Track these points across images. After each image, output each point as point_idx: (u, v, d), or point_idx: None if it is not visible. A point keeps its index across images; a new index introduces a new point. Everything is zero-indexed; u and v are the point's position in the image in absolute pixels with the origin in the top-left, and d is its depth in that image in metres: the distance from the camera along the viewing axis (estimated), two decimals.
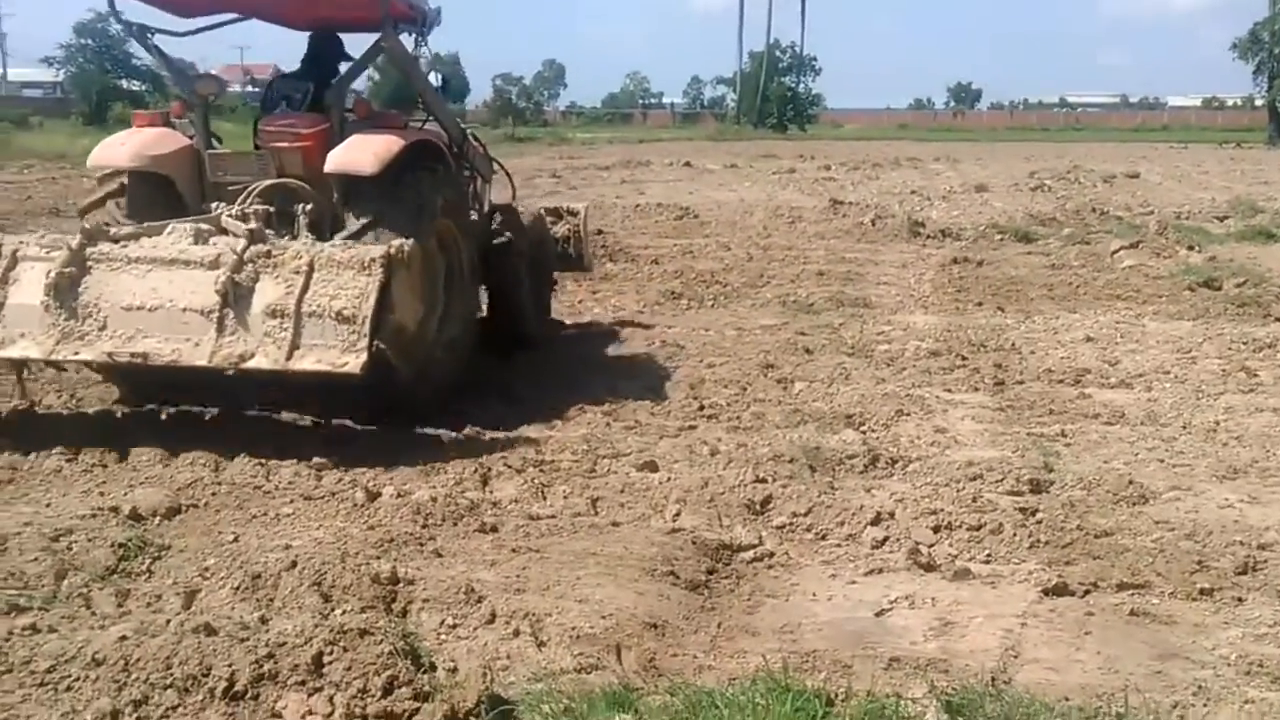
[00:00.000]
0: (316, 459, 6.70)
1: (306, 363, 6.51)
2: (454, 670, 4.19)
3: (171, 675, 3.88)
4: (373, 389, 6.95)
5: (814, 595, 5.25)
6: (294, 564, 4.89)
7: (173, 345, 6.67)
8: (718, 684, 4.15)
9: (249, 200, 7.62)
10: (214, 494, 6.23)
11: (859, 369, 9.47)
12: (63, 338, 6.75)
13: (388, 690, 3.79)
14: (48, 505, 6.02)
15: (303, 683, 3.87)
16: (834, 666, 4.49)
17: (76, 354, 6.78)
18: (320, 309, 6.55)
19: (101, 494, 6.21)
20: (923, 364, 9.67)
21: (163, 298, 6.74)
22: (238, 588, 4.82)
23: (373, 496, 6.16)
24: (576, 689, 3.98)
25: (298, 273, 6.66)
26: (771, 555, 5.65)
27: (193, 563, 5.21)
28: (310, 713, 3.74)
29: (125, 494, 6.17)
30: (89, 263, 6.88)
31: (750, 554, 5.65)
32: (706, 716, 3.57)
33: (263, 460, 6.66)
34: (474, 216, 9.24)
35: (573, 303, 12.68)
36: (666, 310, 12.55)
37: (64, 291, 6.79)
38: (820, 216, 20.87)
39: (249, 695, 3.84)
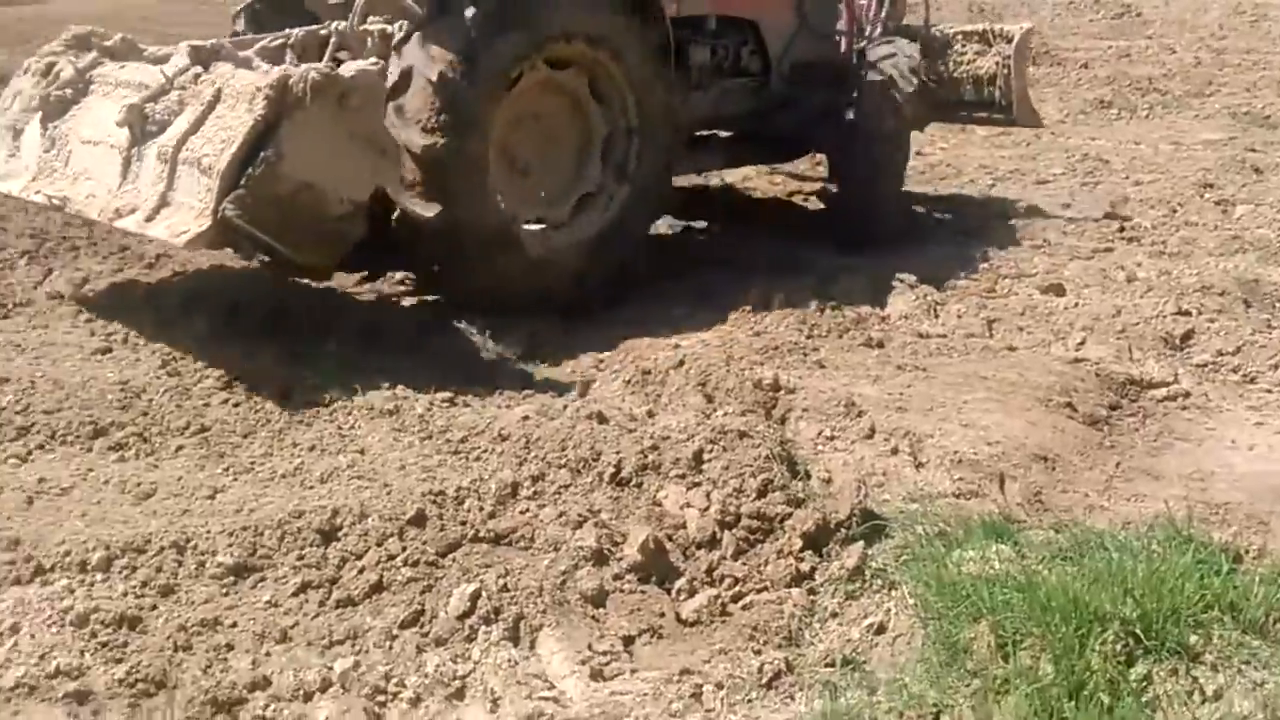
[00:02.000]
0: (712, 269, 6.93)
1: (158, 228, 5.14)
2: (828, 481, 4.33)
3: (566, 456, 4.27)
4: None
5: (1233, 442, 4.94)
6: (681, 363, 5.16)
7: (86, 189, 5.55)
8: (1109, 525, 4.04)
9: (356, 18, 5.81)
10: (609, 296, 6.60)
11: None
12: (38, 172, 5.79)
13: (762, 492, 3.99)
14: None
15: (683, 476, 4.14)
16: (1248, 521, 4.24)
17: (30, 192, 5.77)
18: (193, 155, 5.10)
19: None
20: None
21: (104, 132, 5.58)
22: (628, 381, 5.17)
23: (762, 304, 6.32)
24: (953, 514, 4.00)
25: (201, 105, 5.23)
26: (1187, 395, 5.35)
27: (591, 355, 5.62)
28: (688, 505, 4.01)
29: None
30: (89, 85, 5.87)
31: (1162, 392, 5.37)
32: (1093, 558, 3.50)
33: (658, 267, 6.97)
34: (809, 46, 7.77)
35: None
36: (1093, 120, 11.75)
37: (51, 118, 5.82)
38: None
39: (633, 482, 4.16)
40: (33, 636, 3.34)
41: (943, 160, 9.38)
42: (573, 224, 6.45)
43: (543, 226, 6.32)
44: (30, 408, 4.74)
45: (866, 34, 7.93)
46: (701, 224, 8.16)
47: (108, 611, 3.43)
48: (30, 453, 4.48)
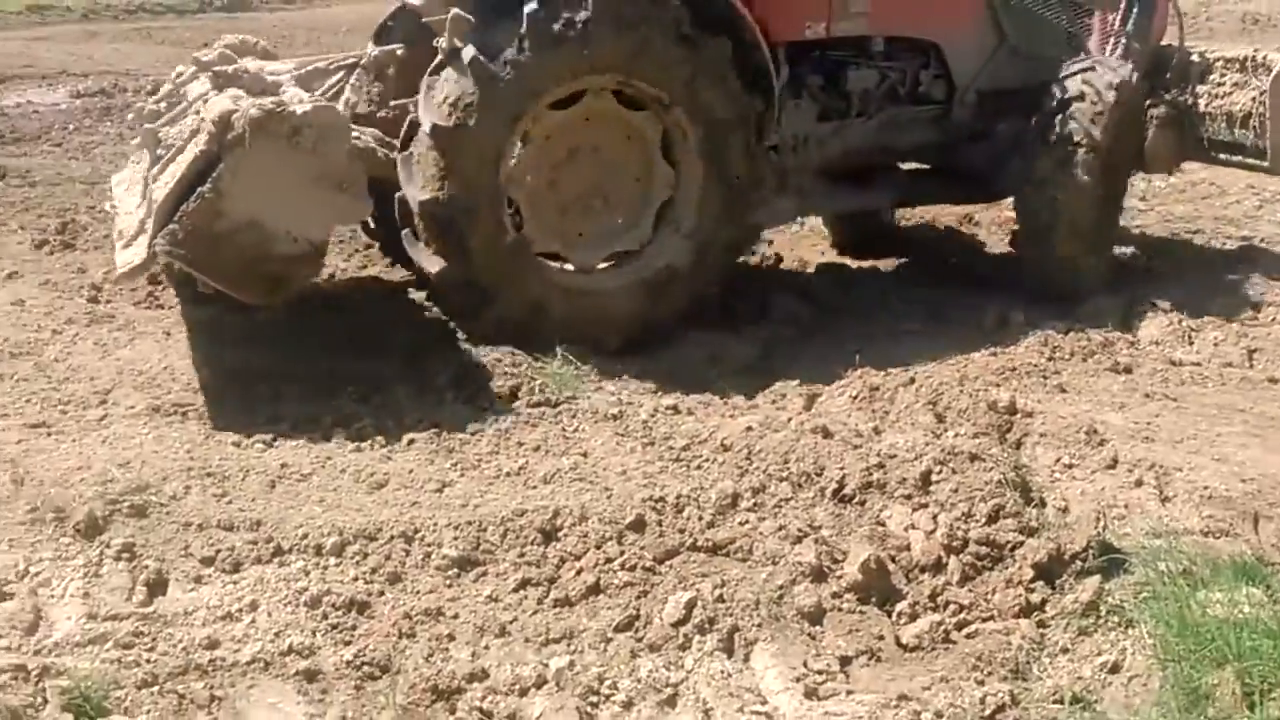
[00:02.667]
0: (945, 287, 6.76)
1: (121, 255, 5.19)
2: (1064, 510, 4.14)
3: (788, 469, 4.24)
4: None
5: None
6: (911, 381, 5.04)
7: (124, 209, 5.75)
8: None
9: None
10: (839, 306, 6.52)
11: None
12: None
13: (992, 518, 3.85)
14: None
15: (909, 496, 4.05)
16: None
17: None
18: (157, 185, 5.11)
19: None
20: None
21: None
22: (855, 397, 5.08)
23: (1001, 323, 6.11)
24: (1200, 552, 3.77)
25: (189, 133, 5.23)
26: None
27: (818, 369, 5.56)
28: (913, 526, 3.91)
29: None
30: (181, 101, 5.98)
31: None
32: None
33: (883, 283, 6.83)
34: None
35: None
36: None
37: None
38: None
39: (856, 500, 4.09)
40: (269, 614, 3.55)
41: (1206, 179, 8.86)
42: (607, 272, 5.82)
43: (570, 270, 5.76)
44: (281, 395, 5.06)
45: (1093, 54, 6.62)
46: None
47: (339, 595, 3.61)
48: (275, 439, 4.75)
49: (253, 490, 4.30)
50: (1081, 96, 6.22)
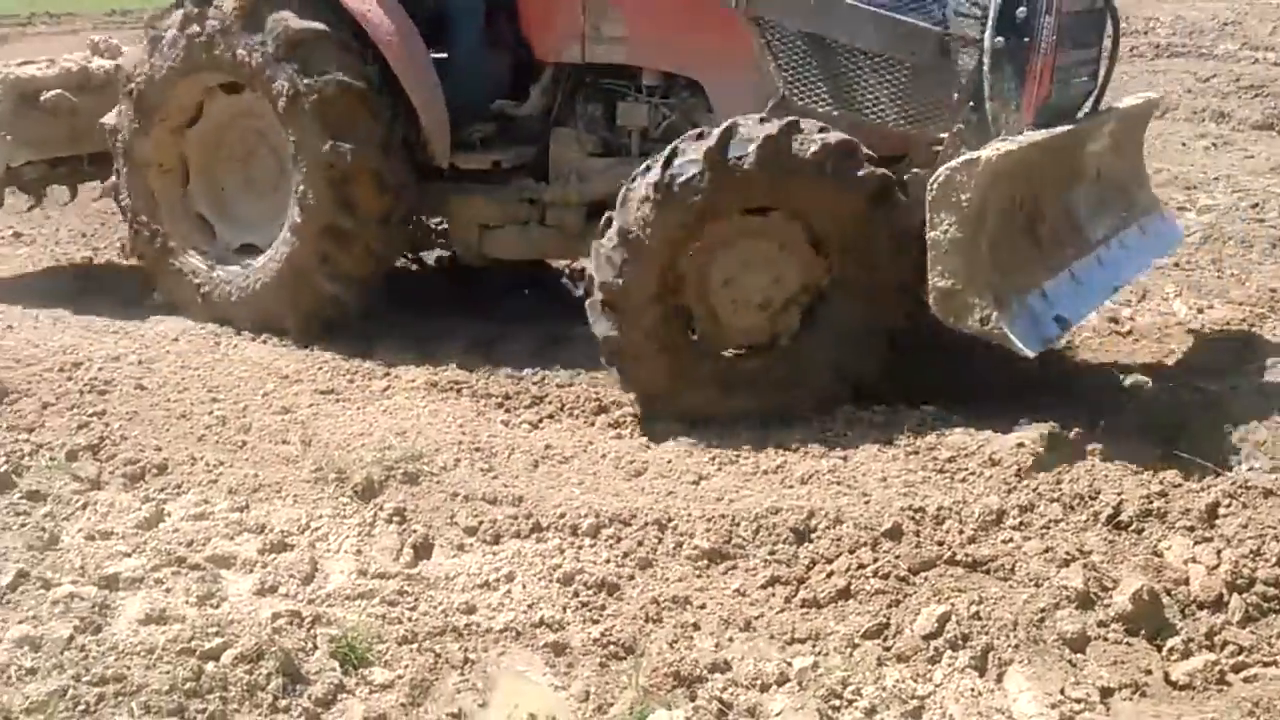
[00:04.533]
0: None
1: None
2: None
3: (1060, 490, 4.11)
4: None
5: None
6: (1205, 407, 4.77)
7: None
8: None
9: None
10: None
11: None
12: None
13: None
14: None
15: (1191, 529, 3.85)
16: None
17: None
18: None
19: None
20: None
21: None
22: (1143, 424, 4.86)
23: None
24: None
25: None
26: None
27: (1094, 388, 5.33)
28: (1194, 560, 3.72)
29: None
30: None
31: None
32: None
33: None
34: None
35: None
36: None
37: None
38: None
39: (1132, 528, 3.93)
40: (524, 587, 3.73)
41: None
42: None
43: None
44: (546, 380, 5.31)
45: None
46: None
47: (591, 575, 3.75)
48: (541, 421, 4.97)
49: (517, 468, 4.51)
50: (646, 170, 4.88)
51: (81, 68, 6.83)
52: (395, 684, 3.24)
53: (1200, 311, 6.26)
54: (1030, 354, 4.39)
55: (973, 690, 3.27)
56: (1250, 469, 4.29)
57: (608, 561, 3.86)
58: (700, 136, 4.86)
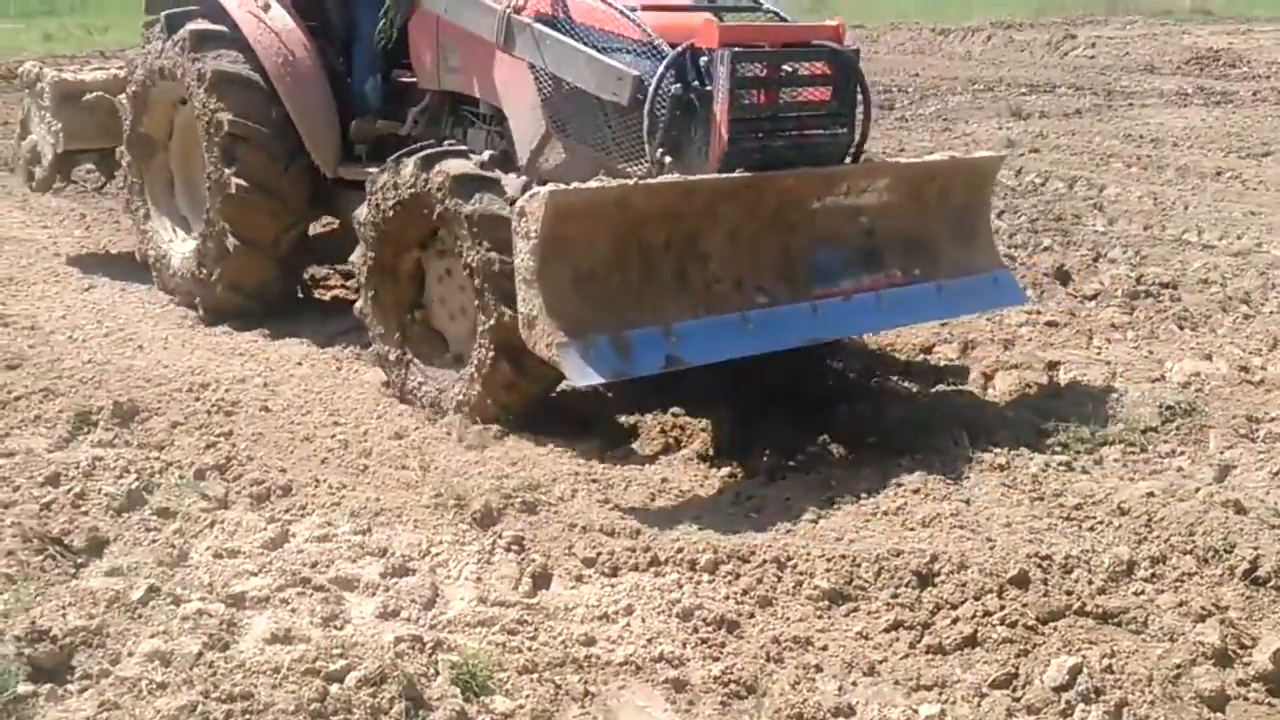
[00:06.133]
0: None
1: None
2: None
3: (1193, 542, 3.98)
4: None
5: None
6: None
7: None
8: None
9: None
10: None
11: None
12: None
13: None
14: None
15: None
16: None
17: None
18: None
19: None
20: None
21: None
22: (1276, 473, 4.71)
23: None
24: None
25: None
26: None
27: (1226, 438, 5.16)
28: None
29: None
30: None
31: None
32: None
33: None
34: None
35: None
36: None
37: None
38: None
39: (1271, 584, 3.79)
40: (643, 620, 3.70)
41: None
42: None
43: None
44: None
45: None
46: None
47: (710, 611, 3.71)
48: (655, 456, 4.96)
49: (633, 500, 4.50)
50: None
51: (116, 74, 7.75)
52: (516, 713, 3.23)
53: None
54: (578, 385, 4.57)
55: None
56: None
57: (727, 598, 3.81)
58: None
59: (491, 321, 4.96)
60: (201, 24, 6.57)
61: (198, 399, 5.26)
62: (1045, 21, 25.66)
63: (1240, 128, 13.02)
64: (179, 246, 7.00)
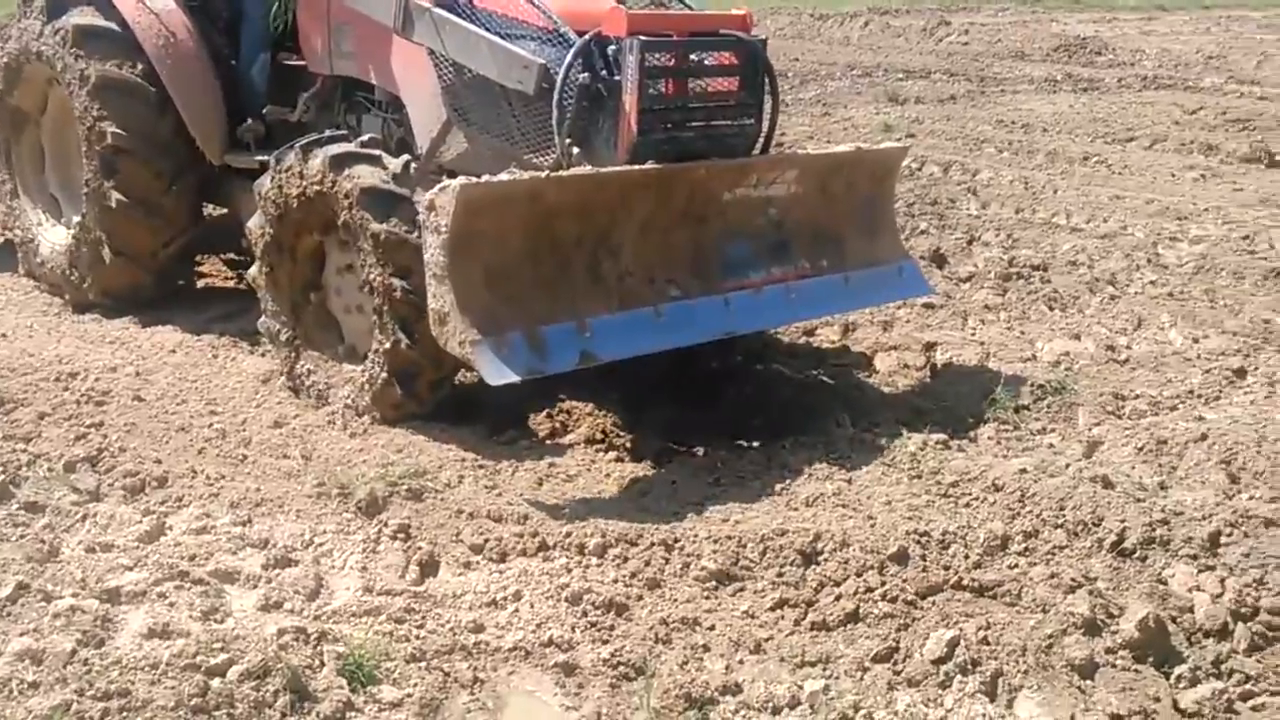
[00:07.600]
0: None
1: None
2: None
3: (1063, 516, 4.13)
4: None
5: None
6: (1204, 437, 4.81)
7: None
8: None
9: None
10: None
11: None
12: None
13: None
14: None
15: (1194, 557, 3.88)
16: None
17: None
18: None
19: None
20: None
21: None
22: (1140, 449, 4.89)
23: None
24: None
25: None
26: None
27: (1094, 415, 5.36)
28: (1198, 589, 3.74)
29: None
30: None
31: None
32: None
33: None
34: None
35: None
36: None
37: None
38: None
39: (1136, 555, 3.94)
40: (532, 606, 3.71)
41: None
42: None
43: None
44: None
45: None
46: None
47: (599, 594, 3.74)
48: (543, 441, 4.97)
49: (521, 485, 4.51)
50: None
51: None
52: (404, 702, 3.22)
53: (1195, 341, 6.31)
54: (492, 383, 4.31)
55: (984, 716, 3.28)
56: (1250, 498, 4.32)
57: (615, 581, 3.85)
58: None
59: (387, 345, 4.83)
60: (86, 17, 6.19)
61: (66, 389, 5.11)
62: (921, 8, 26.10)
63: (1106, 114, 13.44)
64: (49, 234, 6.73)
